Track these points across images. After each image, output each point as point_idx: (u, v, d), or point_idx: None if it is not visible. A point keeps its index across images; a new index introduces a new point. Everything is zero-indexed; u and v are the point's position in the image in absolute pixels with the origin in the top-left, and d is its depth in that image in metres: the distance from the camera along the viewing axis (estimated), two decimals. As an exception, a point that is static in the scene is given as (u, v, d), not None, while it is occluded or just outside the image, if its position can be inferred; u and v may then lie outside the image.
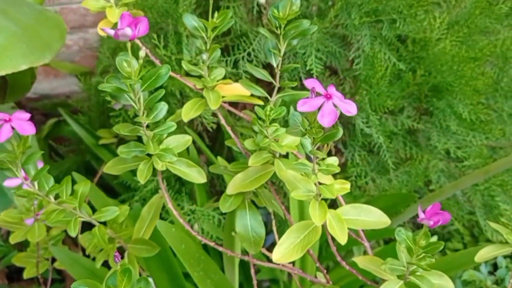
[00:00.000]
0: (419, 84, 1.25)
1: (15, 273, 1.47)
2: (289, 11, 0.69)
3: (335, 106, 0.57)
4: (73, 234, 0.71)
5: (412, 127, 1.28)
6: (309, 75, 1.20)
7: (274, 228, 0.83)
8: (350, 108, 0.57)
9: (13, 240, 0.92)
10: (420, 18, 1.18)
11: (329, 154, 0.65)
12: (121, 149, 0.68)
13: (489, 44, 1.22)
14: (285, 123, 1.21)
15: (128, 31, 0.57)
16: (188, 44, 1.15)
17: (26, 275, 1.08)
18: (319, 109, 0.56)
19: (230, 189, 0.75)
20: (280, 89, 0.77)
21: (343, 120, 1.32)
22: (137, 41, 0.76)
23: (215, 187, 1.43)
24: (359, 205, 0.71)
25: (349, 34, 1.19)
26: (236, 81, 1.29)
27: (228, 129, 0.77)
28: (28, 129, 0.62)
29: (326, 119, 0.56)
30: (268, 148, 0.73)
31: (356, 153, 1.32)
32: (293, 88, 0.77)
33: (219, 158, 1.16)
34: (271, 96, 0.77)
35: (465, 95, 1.22)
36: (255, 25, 1.29)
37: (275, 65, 0.74)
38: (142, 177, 0.68)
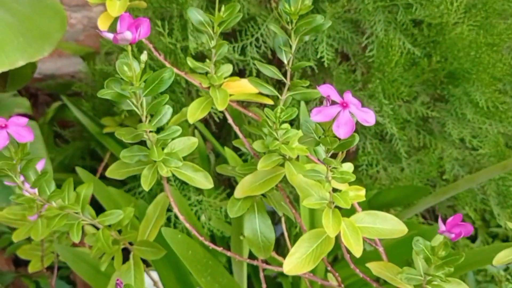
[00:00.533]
0: (434, 71, 1.20)
1: (22, 259, 1.46)
2: (301, 6, 0.64)
3: (351, 115, 0.53)
4: (76, 239, 0.68)
5: (426, 115, 1.24)
6: (320, 62, 1.15)
7: (285, 229, 0.80)
8: (367, 117, 0.53)
9: (16, 238, 0.90)
10: (437, 2, 1.13)
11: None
12: (123, 154, 0.65)
13: (507, 28, 1.17)
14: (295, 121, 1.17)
15: (128, 34, 0.52)
16: (194, 30, 1.11)
17: (31, 269, 1.06)
18: (334, 118, 0.52)
19: (238, 193, 0.72)
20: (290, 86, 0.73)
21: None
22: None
23: (222, 175, 1.39)
24: (374, 212, 0.67)
25: (362, 19, 1.13)
26: (244, 68, 1.25)
27: (236, 129, 0.73)
28: (26, 135, 0.58)
29: (342, 130, 0.52)
30: (278, 151, 0.69)
31: (367, 141, 1.28)
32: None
33: (226, 149, 1.13)
34: (281, 93, 0.73)
35: (482, 83, 1.17)
36: (264, 9, 1.24)
37: (285, 62, 0.70)
38: (146, 184, 0.64)
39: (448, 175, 1.29)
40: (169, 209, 1.22)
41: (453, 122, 1.25)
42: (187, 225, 0.72)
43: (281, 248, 1.26)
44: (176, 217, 1.18)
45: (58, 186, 1.46)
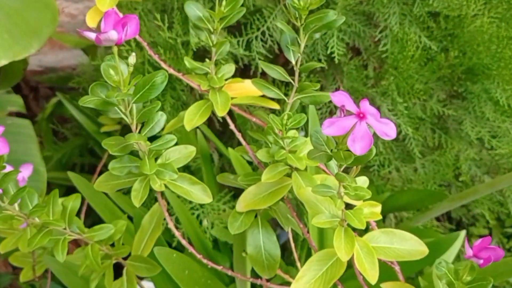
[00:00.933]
0: (451, 66, 1.13)
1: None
2: (311, 0, 0.57)
3: (369, 127, 0.46)
4: (60, 258, 0.62)
5: (442, 113, 1.16)
6: (330, 58, 1.08)
7: (293, 246, 0.74)
8: (388, 130, 0.46)
9: (3, 249, 0.84)
10: (456, -8, 1.05)
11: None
12: (112, 165, 0.58)
13: (532, 21, 1.09)
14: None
15: (113, 34, 0.46)
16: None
17: (22, 278, 1.00)
18: (349, 131, 0.46)
19: (241, 206, 0.65)
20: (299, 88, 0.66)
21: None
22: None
23: (226, 175, 1.33)
24: (391, 230, 0.60)
25: (375, 11, 1.06)
26: (250, 64, 1.18)
27: (238, 135, 0.67)
28: (0, 148, 0.52)
29: (358, 145, 0.45)
30: (284, 160, 0.62)
31: (379, 140, 1.21)
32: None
33: (230, 150, 1.06)
34: (288, 96, 0.66)
35: (503, 79, 1.10)
36: (271, 0, 1.17)
37: (293, 62, 0.63)
38: (137, 199, 0.58)
39: (464, 176, 1.21)
40: (170, 213, 1.17)
41: (471, 120, 1.18)
42: (184, 242, 0.65)
43: (287, 252, 1.19)
44: (177, 221, 1.12)
45: (55, 185, 1.40)
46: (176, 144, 0.58)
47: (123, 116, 0.53)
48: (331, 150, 0.50)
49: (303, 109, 1.06)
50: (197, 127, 1.21)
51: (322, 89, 1.19)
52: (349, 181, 0.50)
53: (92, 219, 1.16)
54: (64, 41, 1.85)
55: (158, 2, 1.12)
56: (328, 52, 1.04)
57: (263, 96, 0.65)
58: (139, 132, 0.55)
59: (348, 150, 0.47)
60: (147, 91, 0.50)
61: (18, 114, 1.37)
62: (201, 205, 1.16)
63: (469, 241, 1.54)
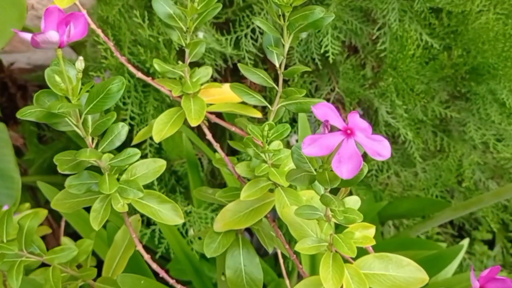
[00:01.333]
0: (455, 66, 1.05)
1: None
2: (295, -5, 0.50)
3: (358, 145, 0.39)
4: (15, 285, 0.55)
5: (444, 115, 1.09)
6: (325, 57, 1.00)
7: (281, 261, 0.67)
8: (381, 150, 0.38)
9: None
10: (459, -13, 0.98)
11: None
12: (69, 182, 0.51)
13: (541, 18, 1.02)
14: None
15: (53, 35, 0.39)
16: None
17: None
18: (334, 151, 0.38)
19: (218, 225, 0.58)
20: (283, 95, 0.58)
21: (364, 105, 1.14)
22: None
23: (215, 180, 1.26)
24: (386, 255, 0.53)
25: (373, 7, 0.98)
26: (236, 66, 1.10)
27: (216, 146, 0.60)
28: None
29: (345, 168, 0.38)
30: (266, 175, 0.55)
31: (378, 144, 1.14)
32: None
33: (217, 155, 0.99)
34: (271, 103, 0.58)
35: (510, 80, 1.02)
36: (261, -5, 1.09)
37: (277, 65, 0.56)
38: (96, 222, 0.51)
39: (468, 182, 1.14)
40: (152, 223, 1.10)
41: (475, 123, 1.11)
42: (154, 266, 0.58)
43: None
44: (160, 231, 1.05)
45: (38, 190, 1.32)
46: (144, 157, 0.51)
47: (75, 129, 0.46)
48: (316, 170, 0.43)
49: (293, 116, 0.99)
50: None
51: (316, 89, 1.12)
52: (336, 204, 0.43)
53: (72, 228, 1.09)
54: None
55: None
56: (322, 51, 0.97)
57: (244, 102, 0.58)
58: (96, 146, 0.48)
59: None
60: (101, 101, 0.43)
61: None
62: (187, 213, 1.09)
63: (471, 246, 1.45)
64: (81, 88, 0.43)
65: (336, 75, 1.06)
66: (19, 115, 0.42)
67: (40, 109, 0.43)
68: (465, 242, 1.09)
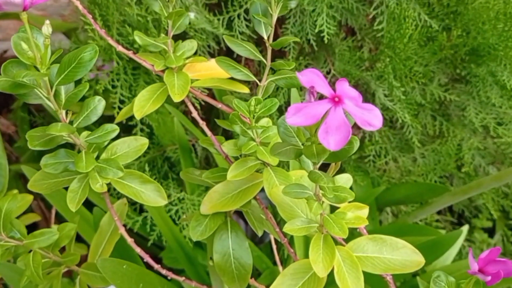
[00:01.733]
0: (454, 47, 1.02)
1: None
2: (282, -40, 0.47)
3: (347, 114, 0.36)
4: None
5: (443, 98, 1.06)
6: (320, 38, 0.97)
7: (274, 248, 0.64)
8: (371, 118, 0.36)
9: None
10: (459, -36, 0.95)
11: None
12: (44, 161, 0.48)
13: (543, -4, 0.98)
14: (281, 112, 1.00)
15: (16, -4, 0.36)
16: None
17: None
18: (321, 120, 0.35)
19: (205, 207, 0.55)
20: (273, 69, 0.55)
21: (361, 88, 1.11)
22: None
23: (210, 166, 1.23)
24: (380, 237, 0.51)
25: (370, -15, 0.95)
26: (229, 48, 1.07)
27: (202, 124, 0.57)
28: None
29: (332, 139, 0.35)
30: (254, 154, 0.52)
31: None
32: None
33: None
34: (260, 79, 0.56)
35: (511, 61, 0.99)
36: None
37: (265, 37, 0.53)
38: (73, 203, 0.48)
39: (467, 167, 1.11)
40: (145, 210, 1.07)
41: (475, 106, 1.08)
42: (138, 251, 0.55)
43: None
44: (152, 220, 1.02)
45: (27, 178, 1.30)
46: (124, 134, 0.48)
47: (46, 101, 0.43)
48: (303, 144, 0.40)
49: (288, 92, 0.96)
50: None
51: (311, 72, 1.09)
52: (325, 181, 0.40)
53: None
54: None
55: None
56: (317, 30, 0.94)
57: (231, 78, 0.55)
58: (71, 122, 0.45)
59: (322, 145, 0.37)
60: (73, 70, 0.40)
61: None
62: (180, 200, 1.06)
63: (471, 234, 1.43)
64: (50, 56, 0.40)
65: (332, 56, 1.03)
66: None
67: (5, 79, 0.40)
68: (465, 228, 1.06)
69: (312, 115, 0.35)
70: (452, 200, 0.95)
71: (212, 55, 1.06)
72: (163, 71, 0.54)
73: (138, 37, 0.52)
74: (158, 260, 1.21)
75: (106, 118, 1.21)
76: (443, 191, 0.95)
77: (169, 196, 1.08)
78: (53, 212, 1.17)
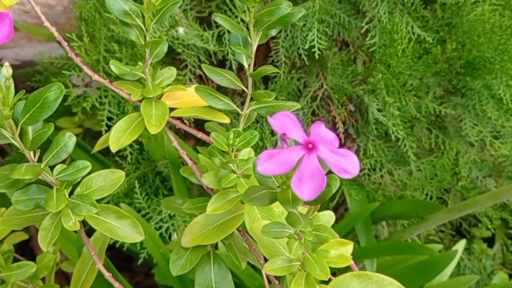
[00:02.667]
0: (449, 60, 1.00)
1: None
2: (260, -12, 0.45)
3: (321, 161, 0.34)
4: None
5: (439, 112, 1.04)
6: (312, 52, 0.95)
7: (264, 274, 0.62)
8: (348, 166, 0.34)
9: None
10: (453, -24, 0.93)
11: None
12: (16, 197, 0.46)
13: (540, 8, 0.96)
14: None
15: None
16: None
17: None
18: (294, 168, 0.34)
19: (186, 240, 0.53)
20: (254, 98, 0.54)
21: (355, 101, 1.09)
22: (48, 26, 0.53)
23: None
24: (366, 273, 0.49)
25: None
26: (224, 58, 1.05)
27: (183, 153, 0.55)
28: None
29: (306, 188, 0.33)
30: (235, 187, 0.51)
31: (369, 142, 1.09)
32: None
33: (200, 156, 0.95)
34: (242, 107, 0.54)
35: (507, 74, 0.97)
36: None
37: (246, 66, 0.51)
38: (45, 242, 0.46)
39: (464, 181, 1.09)
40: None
41: (471, 119, 1.06)
42: (116, 286, 0.53)
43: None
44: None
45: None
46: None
47: (12, 142, 0.41)
48: (279, 186, 0.38)
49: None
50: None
51: (305, 86, 1.07)
52: (303, 225, 0.38)
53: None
54: (36, 34, 1.74)
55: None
56: (307, 46, 0.92)
57: (210, 107, 0.53)
58: (39, 160, 0.43)
59: (298, 189, 0.35)
60: (38, 111, 0.39)
61: None
62: (171, 217, 1.05)
63: (470, 244, 1.40)
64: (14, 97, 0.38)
65: (325, 71, 1.01)
66: None
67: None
68: (461, 244, 1.05)
69: (284, 162, 0.33)
70: (447, 217, 0.93)
71: (203, 70, 1.04)
72: (140, 100, 0.52)
73: (114, 66, 0.51)
74: (151, 276, 1.19)
75: (97, 133, 1.20)
76: (438, 208, 0.94)
77: (159, 213, 1.06)
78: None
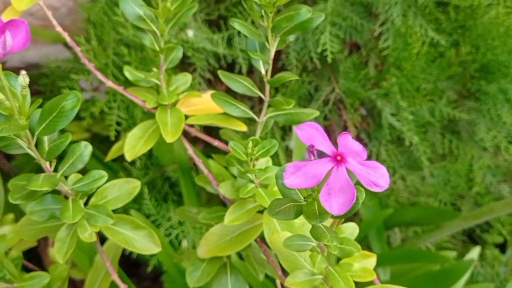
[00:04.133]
0: (463, 63, 0.98)
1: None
2: (279, -7, 0.43)
3: (350, 174, 0.32)
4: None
5: (453, 116, 1.02)
6: (323, 56, 0.94)
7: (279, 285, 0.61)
8: (377, 179, 0.32)
9: None
10: (468, -21, 0.91)
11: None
12: (30, 208, 0.45)
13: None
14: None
15: (-13, 48, 0.32)
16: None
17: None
18: (323, 181, 0.32)
19: (202, 251, 0.52)
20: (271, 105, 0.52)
21: (367, 105, 1.07)
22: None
23: (212, 185, 1.19)
24: (390, 287, 0.47)
25: (375, 1, 0.92)
26: (234, 62, 1.04)
27: (199, 162, 0.53)
28: None
29: (335, 202, 0.31)
30: (254, 197, 0.49)
31: (382, 147, 1.07)
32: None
33: (211, 162, 0.93)
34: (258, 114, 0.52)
35: (523, 78, 0.96)
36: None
37: (263, 72, 0.49)
38: (61, 253, 0.45)
39: (478, 186, 1.07)
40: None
41: (486, 124, 1.04)
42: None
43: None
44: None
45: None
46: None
47: (28, 151, 0.40)
48: (305, 199, 0.37)
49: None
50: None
51: (316, 90, 1.05)
52: (328, 238, 0.37)
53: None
54: (42, 37, 1.72)
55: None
56: (320, 50, 0.90)
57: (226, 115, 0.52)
58: (55, 170, 0.42)
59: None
60: (54, 120, 0.37)
61: None
62: (180, 223, 1.03)
63: (482, 250, 1.38)
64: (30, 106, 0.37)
65: (337, 74, 1.00)
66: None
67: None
68: (475, 252, 1.03)
69: (313, 175, 0.32)
70: (462, 225, 0.91)
71: (213, 73, 1.03)
72: (155, 107, 0.51)
73: (128, 73, 0.49)
74: (160, 283, 1.18)
75: (104, 138, 1.18)
76: (453, 216, 0.92)
77: (168, 219, 1.04)
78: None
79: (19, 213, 1.28)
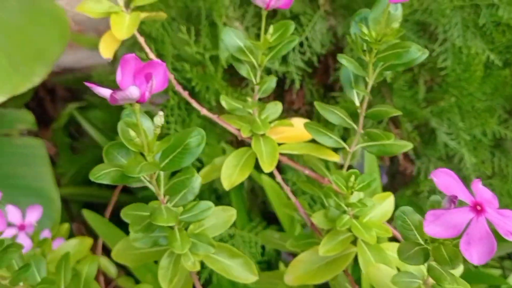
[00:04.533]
0: (516, 83, 0.98)
1: None
2: (385, 29, 0.44)
3: (487, 222, 0.33)
4: None
5: (504, 136, 1.02)
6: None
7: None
8: (514, 228, 0.32)
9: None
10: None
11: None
12: (134, 235, 0.46)
13: None
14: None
15: (133, 92, 0.33)
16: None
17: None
18: (463, 231, 0.32)
19: (290, 279, 0.52)
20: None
21: (417, 123, 1.07)
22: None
23: (256, 197, 1.20)
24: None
25: (434, 22, 0.92)
26: (284, 76, 1.04)
27: (287, 189, 0.54)
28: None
29: (475, 251, 0.32)
30: (348, 228, 0.50)
31: (431, 164, 1.07)
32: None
33: (263, 177, 0.94)
34: (348, 143, 0.53)
35: None
36: (308, 5, 1.03)
37: (357, 104, 0.50)
38: (165, 281, 0.45)
39: (527, 206, 1.07)
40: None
41: (537, 143, 1.03)
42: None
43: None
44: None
45: (71, 202, 1.28)
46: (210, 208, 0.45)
47: (148, 185, 0.40)
48: (425, 241, 0.37)
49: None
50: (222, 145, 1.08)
51: (368, 107, 1.06)
52: (448, 281, 0.37)
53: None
54: (79, 42, 1.74)
55: (182, 11, 0.99)
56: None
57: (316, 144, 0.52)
58: (168, 201, 0.42)
59: (455, 246, 0.34)
60: (178, 157, 0.38)
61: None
62: (231, 237, 1.04)
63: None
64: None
65: (390, 92, 1.00)
66: (93, 177, 0.37)
67: (115, 169, 0.37)
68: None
69: (453, 225, 0.32)
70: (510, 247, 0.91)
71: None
72: (250, 137, 0.51)
73: (225, 102, 0.50)
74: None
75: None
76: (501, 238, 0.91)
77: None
78: (100, 243, 1.15)
79: (66, 216, 1.28)
